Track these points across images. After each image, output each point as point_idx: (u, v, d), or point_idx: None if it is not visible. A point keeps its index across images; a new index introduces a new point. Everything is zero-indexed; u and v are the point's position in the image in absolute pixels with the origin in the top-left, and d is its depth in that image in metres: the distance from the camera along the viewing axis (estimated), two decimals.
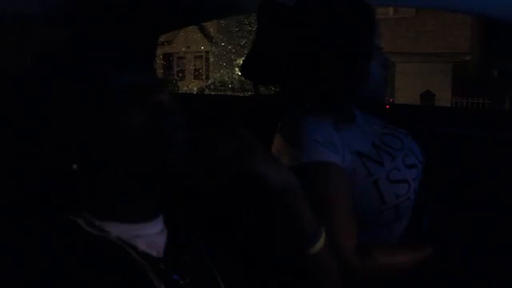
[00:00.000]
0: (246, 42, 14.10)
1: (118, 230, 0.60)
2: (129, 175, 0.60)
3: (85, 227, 0.59)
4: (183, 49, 19.60)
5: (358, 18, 0.96)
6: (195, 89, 16.25)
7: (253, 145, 0.62)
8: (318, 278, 0.69)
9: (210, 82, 17.03)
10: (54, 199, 0.60)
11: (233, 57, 15.66)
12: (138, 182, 0.61)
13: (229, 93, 13.44)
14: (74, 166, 0.58)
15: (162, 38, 1.96)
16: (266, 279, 0.72)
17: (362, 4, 0.97)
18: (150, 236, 0.62)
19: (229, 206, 0.75)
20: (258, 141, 0.64)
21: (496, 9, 1.16)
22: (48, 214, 0.59)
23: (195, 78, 19.48)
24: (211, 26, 17.72)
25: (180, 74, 19.65)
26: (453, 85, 11.83)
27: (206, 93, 12.81)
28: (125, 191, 0.62)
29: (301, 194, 0.66)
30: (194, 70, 20.07)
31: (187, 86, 17.46)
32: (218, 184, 0.62)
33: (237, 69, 14.11)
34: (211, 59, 17.92)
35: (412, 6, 9.49)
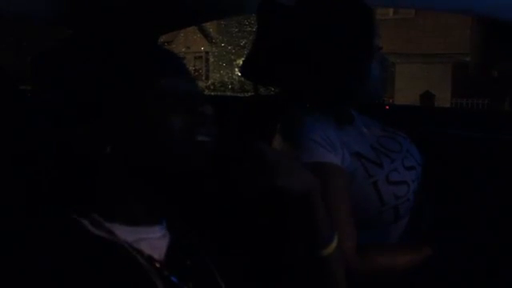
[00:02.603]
0: (245, 43, 14.09)
1: (124, 232, 0.59)
2: (152, 175, 0.61)
3: (90, 228, 0.58)
4: (183, 49, 19.56)
5: (358, 18, 0.96)
6: None
7: (274, 158, 0.64)
8: (327, 280, 0.69)
9: (209, 82, 17.03)
10: (59, 199, 0.60)
11: (233, 57, 15.66)
12: (157, 183, 0.62)
13: (229, 93, 13.43)
14: (108, 149, 0.59)
15: (161, 39, 1.96)
16: (268, 281, 0.72)
17: (361, 5, 0.97)
18: (153, 239, 0.62)
19: (241, 210, 0.76)
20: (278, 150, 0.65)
21: (495, 9, 1.16)
22: (51, 214, 0.58)
23: (195, 78, 19.44)
24: (211, 27, 17.71)
25: None
26: (453, 85, 11.83)
27: (205, 93, 12.78)
28: (142, 192, 0.62)
29: (320, 197, 0.68)
30: (194, 70, 20.01)
31: None
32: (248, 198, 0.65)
33: (237, 69, 14.10)
34: (211, 60, 17.93)
35: (412, 7, 9.49)
